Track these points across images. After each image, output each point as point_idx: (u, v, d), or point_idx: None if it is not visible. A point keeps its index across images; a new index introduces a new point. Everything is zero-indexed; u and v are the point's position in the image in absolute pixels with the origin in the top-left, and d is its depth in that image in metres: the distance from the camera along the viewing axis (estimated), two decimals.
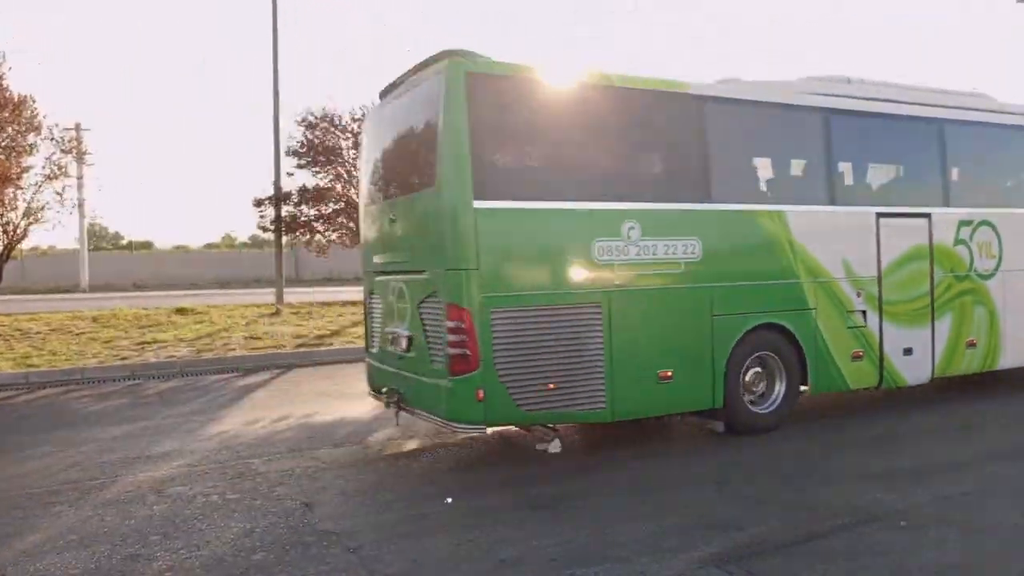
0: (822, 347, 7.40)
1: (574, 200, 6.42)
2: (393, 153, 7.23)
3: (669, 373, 6.56)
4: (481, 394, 5.80)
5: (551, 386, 6.06)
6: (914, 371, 8.03)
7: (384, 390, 6.87)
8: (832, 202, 7.69)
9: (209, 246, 61.94)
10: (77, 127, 22.89)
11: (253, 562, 4.36)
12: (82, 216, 29.86)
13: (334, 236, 19.89)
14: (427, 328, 6.32)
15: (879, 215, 7.83)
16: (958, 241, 8.34)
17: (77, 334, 14.83)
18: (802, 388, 7.44)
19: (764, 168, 7.94)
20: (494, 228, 5.97)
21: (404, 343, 6.63)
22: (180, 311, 18.43)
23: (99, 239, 62.17)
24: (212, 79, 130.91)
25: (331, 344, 13.66)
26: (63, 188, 16.80)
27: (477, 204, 5.87)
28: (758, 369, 7.20)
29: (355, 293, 26.56)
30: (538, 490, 5.66)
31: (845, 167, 8.04)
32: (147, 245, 59.33)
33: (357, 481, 5.93)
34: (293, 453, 6.78)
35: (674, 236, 6.68)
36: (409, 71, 6.81)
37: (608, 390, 6.26)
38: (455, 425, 6.08)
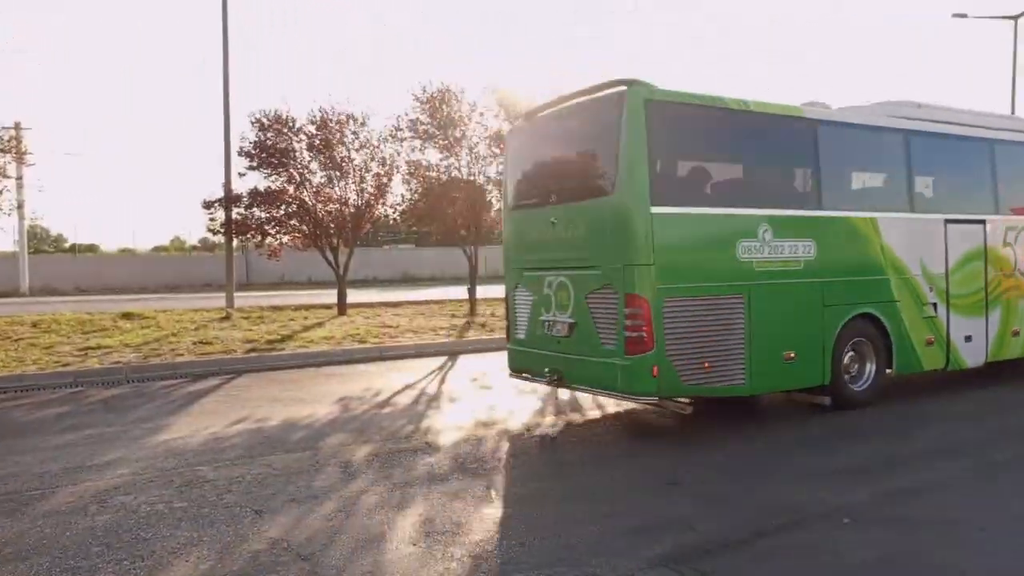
0: (904, 334, 8.66)
1: (724, 206, 7.70)
2: (556, 165, 8.36)
3: (792, 355, 7.72)
4: (656, 370, 6.83)
5: (706, 365, 7.13)
6: (973, 356, 9.34)
7: (547, 370, 7.82)
8: (912, 210, 9.00)
9: (158, 249, 60.52)
10: (17, 126, 22.12)
11: (200, 571, 4.27)
12: (22, 218, 28.90)
13: (286, 239, 19.60)
14: (595, 315, 7.32)
15: (946, 221, 9.13)
16: (1006, 244, 9.75)
17: (16, 340, 14.34)
18: (887, 370, 8.59)
19: (861, 180, 9.48)
20: (665, 229, 7.02)
21: (565, 329, 7.68)
22: (126, 316, 17.97)
23: (40, 241, 60.20)
24: (164, 77, 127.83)
25: (283, 349, 13.46)
26: (1, 189, 16.27)
27: (653, 210, 6.92)
28: (852, 353, 8.34)
29: (307, 297, 26.29)
30: (493, 494, 5.67)
31: (921, 179, 9.36)
32: (92, 248, 57.58)
33: (309, 488, 5.84)
34: (243, 460, 6.66)
35: (796, 238, 7.87)
36: (571, 95, 7.91)
37: (747, 368, 7.38)
38: (630, 396, 7.18)
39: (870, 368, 8.47)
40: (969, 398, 9.20)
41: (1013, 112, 28.55)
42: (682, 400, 7.27)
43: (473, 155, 19.24)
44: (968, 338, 9.23)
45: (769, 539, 4.67)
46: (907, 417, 8.22)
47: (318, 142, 18.55)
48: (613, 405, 8.52)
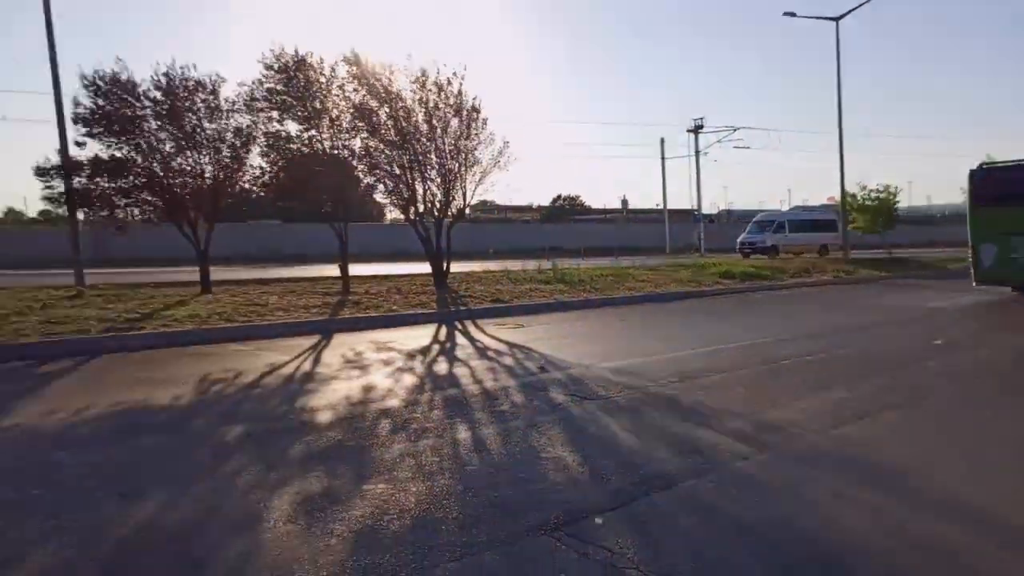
0: None
1: None
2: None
3: None
4: None
5: None
6: None
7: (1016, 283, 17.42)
8: None
9: None
10: None
11: (62, 560, 4.08)
12: None
13: (136, 212, 18.31)
14: None
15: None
16: None
17: None
18: None
19: None
20: None
21: None
22: None
23: None
24: None
25: (143, 328, 12.77)
26: None
27: None
28: None
29: (167, 275, 24.85)
30: (372, 471, 5.69)
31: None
32: None
33: (176, 470, 5.66)
34: (103, 443, 6.34)
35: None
36: None
37: None
38: None
39: None
40: None
41: (839, 104, 32.51)
42: None
43: (335, 128, 18.79)
44: None
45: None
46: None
47: (165, 110, 17.41)
48: (491, 380, 8.71)
